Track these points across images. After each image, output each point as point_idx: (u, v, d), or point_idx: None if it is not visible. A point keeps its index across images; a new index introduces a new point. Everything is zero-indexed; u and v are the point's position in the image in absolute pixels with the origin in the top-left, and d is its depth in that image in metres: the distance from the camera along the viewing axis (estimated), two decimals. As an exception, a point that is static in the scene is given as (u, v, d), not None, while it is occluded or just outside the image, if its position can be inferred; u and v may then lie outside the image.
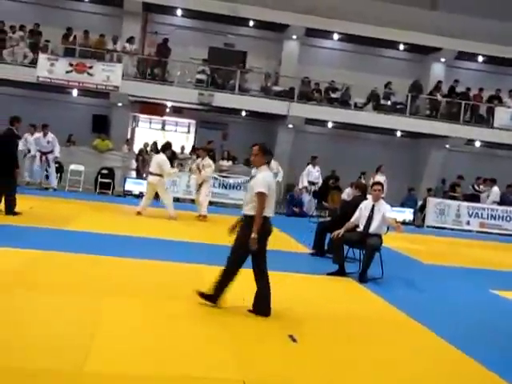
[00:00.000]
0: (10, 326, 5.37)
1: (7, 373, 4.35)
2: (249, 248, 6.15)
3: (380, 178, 17.50)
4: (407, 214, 20.06)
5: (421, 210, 20.48)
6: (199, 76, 21.76)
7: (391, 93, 22.84)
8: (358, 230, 9.33)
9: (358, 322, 6.68)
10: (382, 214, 9.15)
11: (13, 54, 20.64)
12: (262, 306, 6.38)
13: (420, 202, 20.88)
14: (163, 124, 24.76)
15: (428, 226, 19.69)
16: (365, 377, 5.03)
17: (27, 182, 17.47)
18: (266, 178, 6.36)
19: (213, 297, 6.40)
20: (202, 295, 6.43)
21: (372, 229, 9.14)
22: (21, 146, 16.82)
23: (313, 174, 18.48)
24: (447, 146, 22.80)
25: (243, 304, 6.50)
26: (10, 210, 11.54)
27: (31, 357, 4.68)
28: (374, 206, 9.28)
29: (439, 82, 23.37)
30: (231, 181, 18.78)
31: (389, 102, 22.75)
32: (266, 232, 6.30)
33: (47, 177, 17.86)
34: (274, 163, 18.15)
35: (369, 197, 9.80)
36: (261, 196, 6.19)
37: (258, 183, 6.32)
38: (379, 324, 6.76)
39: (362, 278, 8.84)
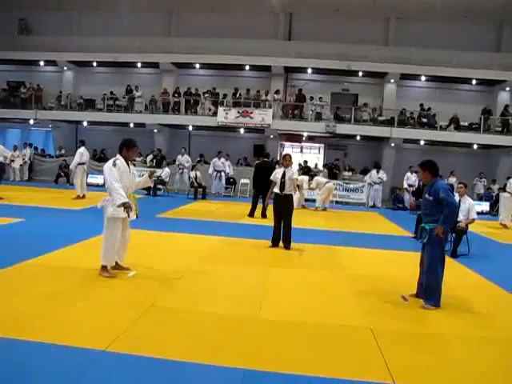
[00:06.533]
0: (206, 286, 5.67)
1: (206, 316, 4.61)
2: None
3: (452, 179, 17.41)
4: (484, 207, 18.64)
5: (495, 203, 18.96)
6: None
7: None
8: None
9: (455, 290, 6.37)
10: (466, 206, 8.77)
11: (203, 109, 22.03)
12: None
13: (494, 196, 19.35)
14: (301, 148, 24.94)
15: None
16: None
17: (214, 193, 18.20)
18: None
19: None
20: None
21: (459, 217, 8.74)
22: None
23: (411, 179, 17.82)
24: (514, 154, 20.90)
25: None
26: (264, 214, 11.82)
27: (222, 306, 4.91)
28: (460, 200, 8.88)
29: (506, 105, 21.57)
30: (351, 186, 18.59)
31: (466, 123, 21.32)
32: None
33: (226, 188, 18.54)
34: (381, 172, 17.83)
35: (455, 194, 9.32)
36: None
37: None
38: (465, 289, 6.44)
39: (454, 254, 8.47)
